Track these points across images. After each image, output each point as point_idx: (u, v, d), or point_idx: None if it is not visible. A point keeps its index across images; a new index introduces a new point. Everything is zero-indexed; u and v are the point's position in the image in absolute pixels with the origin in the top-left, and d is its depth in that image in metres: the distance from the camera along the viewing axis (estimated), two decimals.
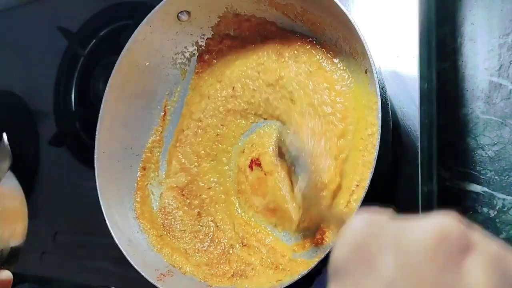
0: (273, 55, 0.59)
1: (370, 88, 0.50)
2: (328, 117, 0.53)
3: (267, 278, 0.53)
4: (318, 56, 0.56)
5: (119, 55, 0.59)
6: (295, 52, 0.58)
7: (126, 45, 0.58)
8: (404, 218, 0.25)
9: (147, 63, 0.62)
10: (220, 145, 0.62)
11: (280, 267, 0.53)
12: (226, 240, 0.59)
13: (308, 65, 0.56)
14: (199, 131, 0.63)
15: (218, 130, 0.62)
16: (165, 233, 0.61)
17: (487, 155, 0.53)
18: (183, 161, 0.63)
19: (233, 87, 0.61)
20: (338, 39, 0.54)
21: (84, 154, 0.78)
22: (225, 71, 0.62)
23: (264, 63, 0.59)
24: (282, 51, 0.58)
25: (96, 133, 0.59)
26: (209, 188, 0.62)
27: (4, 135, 0.52)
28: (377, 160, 0.43)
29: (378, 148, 0.43)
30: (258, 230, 0.57)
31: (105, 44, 0.82)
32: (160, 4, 0.57)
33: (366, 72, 0.50)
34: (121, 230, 0.56)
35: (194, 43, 0.63)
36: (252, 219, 0.58)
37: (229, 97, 0.62)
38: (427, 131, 0.53)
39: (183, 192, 0.63)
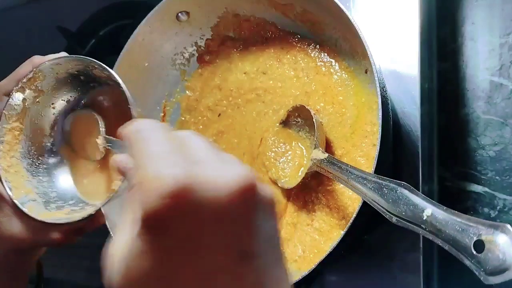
0: (274, 61, 0.59)
1: (371, 87, 0.50)
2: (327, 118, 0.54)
3: None
4: (317, 61, 0.56)
5: (118, 55, 0.59)
6: (294, 58, 0.58)
7: (125, 45, 0.58)
8: None
9: (146, 64, 0.61)
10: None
11: None
12: None
13: (306, 71, 0.56)
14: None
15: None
16: None
17: (488, 155, 0.53)
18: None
19: (231, 90, 0.61)
20: (338, 39, 0.53)
21: None
22: (225, 73, 0.62)
23: (265, 71, 0.59)
24: (281, 58, 0.58)
25: None
26: None
27: None
28: (377, 160, 0.42)
29: (378, 148, 0.43)
30: None
31: (105, 44, 0.82)
32: (159, 4, 0.57)
33: (366, 72, 0.50)
34: None
35: (194, 44, 0.63)
36: None
37: (225, 100, 0.62)
38: (427, 131, 0.53)
39: None
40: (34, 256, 0.56)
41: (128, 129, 0.29)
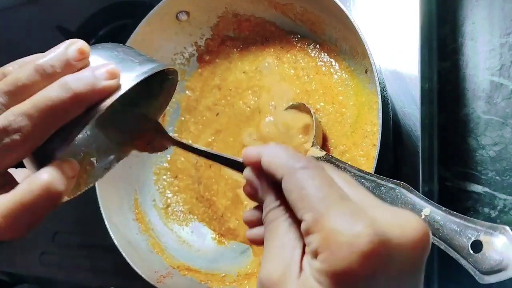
0: (274, 60, 0.59)
1: (371, 87, 0.50)
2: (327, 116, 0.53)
3: None
4: (317, 60, 0.56)
5: None
6: (294, 57, 0.57)
7: (125, 45, 0.58)
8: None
9: None
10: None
11: None
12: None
13: (306, 71, 0.56)
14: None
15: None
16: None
17: (488, 155, 0.53)
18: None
19: (231, 90, 0.61)
20: (338, 39, 0.53)
21: None
22: (224, 73, 0.62)
23: (262, 71, 0.59)
24: (281, 57, 0.58)
25: None
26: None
27: None
28: (377, 160, 0.42)
29: (379, 148, 0.43)
30: None
31: None
32: (159, 4, 0.57)
33: (366, 72, 0.50)
34: (121, 232, 0.56)
35: (193, 44, 0.63)
36: None
37: (223, 99, 0.62)
38: (428, 131, 0.53)
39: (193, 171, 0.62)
40: None
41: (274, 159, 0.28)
